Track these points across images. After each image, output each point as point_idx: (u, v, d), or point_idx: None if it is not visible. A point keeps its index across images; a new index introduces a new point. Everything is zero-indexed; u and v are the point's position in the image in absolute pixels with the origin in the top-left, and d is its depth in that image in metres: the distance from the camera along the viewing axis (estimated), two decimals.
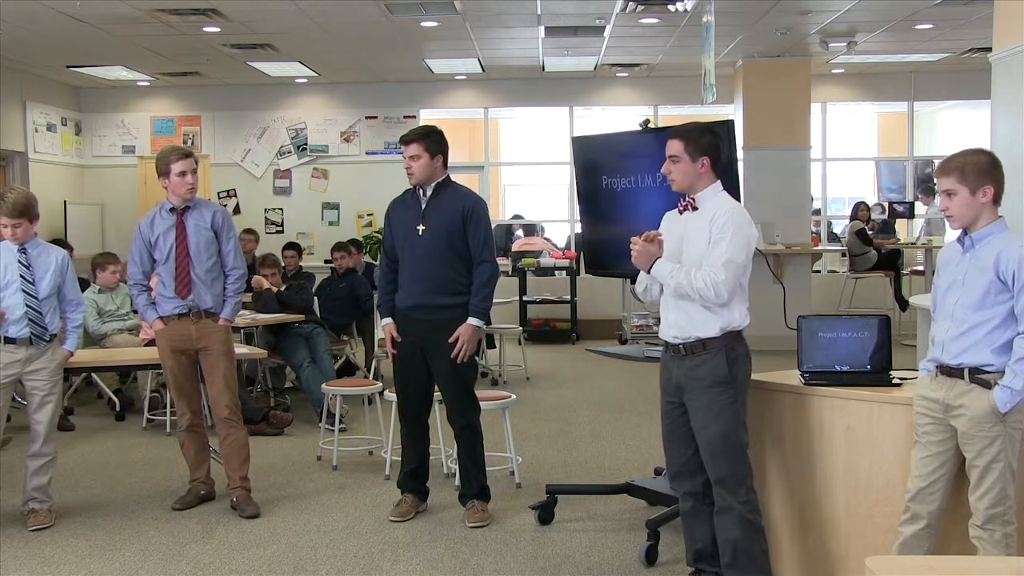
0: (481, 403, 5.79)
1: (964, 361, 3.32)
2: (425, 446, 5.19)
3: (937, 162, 13.68)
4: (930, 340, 3.47)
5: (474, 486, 5.05)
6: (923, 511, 3.38)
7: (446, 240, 4.84)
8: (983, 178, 3.30)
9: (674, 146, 3.79)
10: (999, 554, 3.21)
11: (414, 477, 5.16)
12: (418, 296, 4.89)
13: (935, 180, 13.22)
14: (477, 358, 9.42)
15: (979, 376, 3.28)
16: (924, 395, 3.44)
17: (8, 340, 4.89)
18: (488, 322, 4.85)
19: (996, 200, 3.34)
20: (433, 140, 4.91)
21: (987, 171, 3.32)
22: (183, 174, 5.07)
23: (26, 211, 4.95)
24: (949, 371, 3.36)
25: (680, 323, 3.75)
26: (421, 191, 4.94)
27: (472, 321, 4.86)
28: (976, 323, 3.30)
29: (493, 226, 14.04)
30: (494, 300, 9.92)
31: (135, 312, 8.02)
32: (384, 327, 5.06)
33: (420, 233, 4.86)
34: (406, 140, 4.93)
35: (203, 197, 5.51)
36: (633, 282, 4.55)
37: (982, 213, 3.32)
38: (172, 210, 5.16)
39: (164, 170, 5.10)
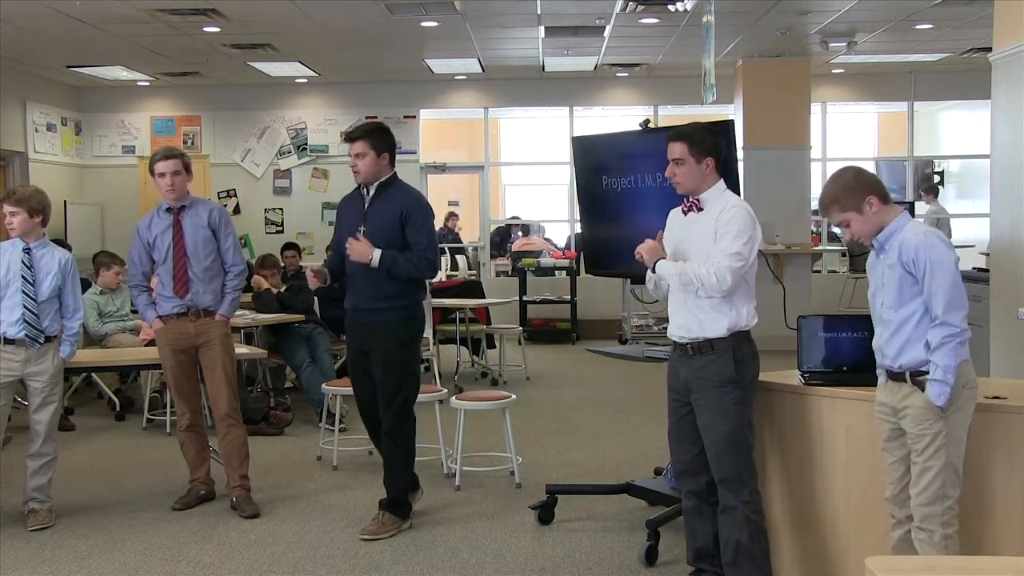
0: (481, 403, 5.80)
1: (903, 363, 3.29)
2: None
3: (937, 162, 13.72)
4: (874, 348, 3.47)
5: (387, 495, 4.88)
6: (902, 516, 3.36)
7: (385, 241, 4.67)
8: (860, 194, 3.31)
9: (677, 149, 3.78)
10: None
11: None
12: (357, 299, 4.82)
13: (934, 178, 13.27)
14: (485, 361, 9.49)
15: (918, 378, 3.26)
16: (879, 400, 3.42)
17: (8, 341, 4.90)
18: (396, 273, 4.64)
19: (886, 201, 3.33)
20: (378, 137, 4.75)
21: (861, 187, 3.33)
22: (163, 175, 5.08)
23: (24, 202, 4.94)
24: (894, 375, 3.34)
25: (688, 324, 3.75)
26: (365, 190, 4.82)
27: (377, 251, 4.62)
28: (900, 321, 3.28)
29: (492, 228, 14.12)
30: (494, 300, 10.00)
31: (136, 313, 8.03)
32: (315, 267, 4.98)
33: (360, 236, 4.70)
34: (351, 138, 4.76)
35: (201, 196, 5.51)
36: (634, 282, 4.55)
37: (880, 220, 3.32)
38: (168, 210, 5.17)
39: (151, 171, 5.15)
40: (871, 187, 3.33)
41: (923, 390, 3.22)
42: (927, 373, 3.22)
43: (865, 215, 3.32)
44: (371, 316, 4.76)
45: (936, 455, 3.20)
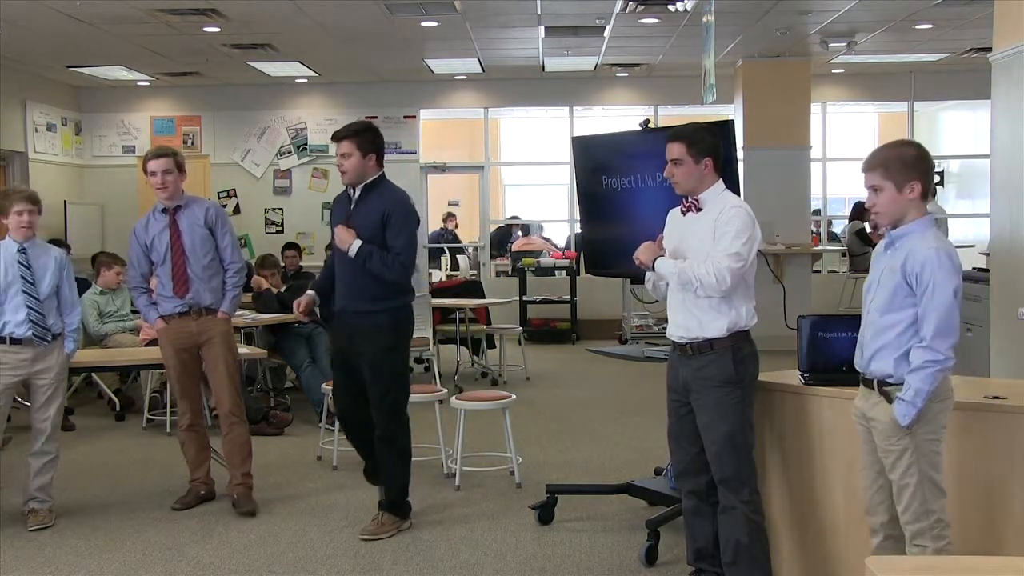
0: (481, 403, 5.80)
1: (874, 370, 3.21)
2: (370, 446, 4.90)
3: (937, 162, 13.70)
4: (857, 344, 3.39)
5: (386, 496, 4.86)
6: (876, 523, 3.30)
7: (368, 242, 4.64)
8: (910, 173, 3.13)
9: (676, 149, 3.78)
10: None
11: (374, 474, 5.02)
12: (344, 301, 4.77)
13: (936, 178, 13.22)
14: (485, 361, 9.49)
15: (885, 388, 3.19)
16: (855, 404, 3.37)
17: (14, 341, 4.90)
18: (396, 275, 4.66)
19: (925, 196, 3.17)
20: (365, 138, 4.72)
21: (914, 165, 3.15)
22: (154, 174, 5.10)
23: (38, 202, 5.01)
24: (867, 381, 3.27)
25: (687, 324, 3.75)
26: (352, 191, 4.78)
27: (356, 241, 4.61)
28: (882, 326, 3.17)
29: (492, 228, 14.09)
30: (494, 300, 9.98)
31: (136, 313, 8.03)
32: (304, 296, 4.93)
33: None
34: (337, 137, 4.74)
35: (197, 195, 5.51)
36: (633, 282, 4.55)
37: (908, 210, 3.16)
38: (164, 211, 5.18)
39: (144, 170, 5.17)
40: (923, 175, 3.16)
41: (890, 401, 3.15)
42: (895, 385, 3.14)
43: (900, 195, 3.14)
44: (358, 318, 4.73)
45: (909, 471, 3.12)
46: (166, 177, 5.09)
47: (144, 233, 5.20)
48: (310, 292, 4.94)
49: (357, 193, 4.78)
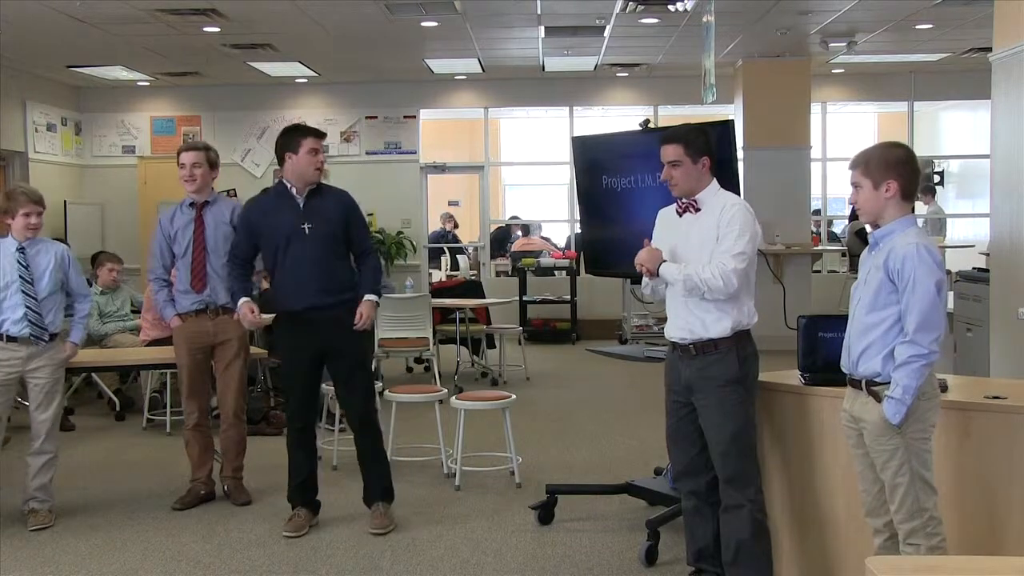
0: (481, 403, 5.81)
1: (862, 370, 3.22)
2: (315, 457, 5.09)
3: (937, 162, 13.72)
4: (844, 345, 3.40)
5: (377, 486, 4.95)
6: (879, 524, 3.30)
7: (332, 239, 4.79)
8: (887, 172, 3.18)
9: (673, 151, 3.77)
10: None
11: (302, 490, 5.00)
12: (311, 298, 4.73)
13: (933, 178, 13.24)
14: (485, 361, 9.49)
15: (873, 388, 3.19)
16: (843, 407, 3.37)
17: (10, 339, 4.90)
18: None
19: (905, 196, 3.20)
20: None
21: (892, 166, 3.19)
22: (183, 166, 5.22)
23: (43, 201, 5.03)
24: (854, 382, 3.28)
25: (691, 325, 3.74)
26: (294, 190, 4.81)
27: (370, 297, 4.82)
28: (867, 325, 3.20)
29: (492, 228, 14.12)
30: (494, 300, 10.00)
31: (135, 313, 8.03)
32: (242, 305, 4.87)
33: (307, 232, 4.73)
34: (320, 136, 4.93)
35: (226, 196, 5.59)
36: (633, 282, 4.54)
37: (886, 208, 3.20)
38: (192, 205, 5.25)
39: (177, 161, 5.28)
40: (903, 176, 3.19)
41: (879, 401, 3.16)
42: (883, 384, 3.15)
43: (876, 193, 3.20)
44: (328, 312, 4.75)
45: (901, 471, 3.13)
46: (195, 170, 5.21)
47: (169, 225, 5.27)
48: (248, 300, 4.90)
49: (304, 192, 4.82)
